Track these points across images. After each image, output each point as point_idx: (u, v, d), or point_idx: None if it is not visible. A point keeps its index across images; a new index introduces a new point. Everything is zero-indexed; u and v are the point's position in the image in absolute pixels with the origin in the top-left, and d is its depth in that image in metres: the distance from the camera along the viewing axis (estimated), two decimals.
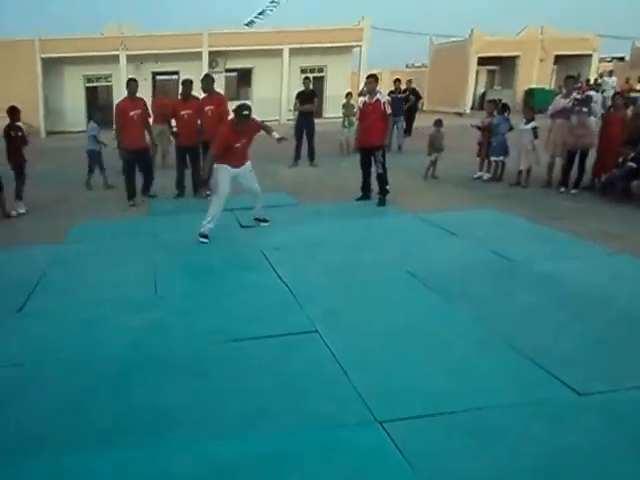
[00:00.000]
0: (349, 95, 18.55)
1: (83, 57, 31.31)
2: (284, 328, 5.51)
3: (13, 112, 11.28)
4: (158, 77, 32.52)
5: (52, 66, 31.52)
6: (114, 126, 12.26)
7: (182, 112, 11.71)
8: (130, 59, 31.87)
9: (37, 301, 6.59)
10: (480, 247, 7.86)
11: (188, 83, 11.99)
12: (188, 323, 5.77)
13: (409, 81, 19.97)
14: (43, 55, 31.09)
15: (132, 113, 11.24)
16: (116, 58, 31.47)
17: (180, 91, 12.02)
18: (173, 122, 12.45)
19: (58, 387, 4.65)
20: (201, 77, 12.07)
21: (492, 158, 12.89)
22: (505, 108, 13.43)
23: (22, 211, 11.23)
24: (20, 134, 11.44)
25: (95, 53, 31.21)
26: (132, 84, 11.65)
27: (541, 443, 3.71)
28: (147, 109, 11.84)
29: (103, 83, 33.59)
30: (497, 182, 12.72)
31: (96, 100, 33.26)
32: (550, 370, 4.55)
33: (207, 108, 11.39)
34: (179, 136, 12.11)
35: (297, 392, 4.41)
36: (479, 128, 13.33)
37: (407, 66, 46.36)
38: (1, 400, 4.48)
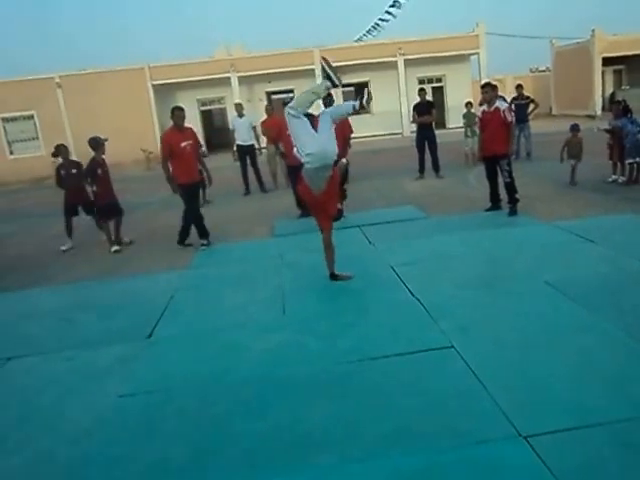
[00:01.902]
0: (469, 104, 18.23)
1: (195, 82, 32.38)
2: (419, 345, 5.31)
3: (96, 146, 11.33)
4: (273, 97, 33.09)
5: (165, 92, 32.64)
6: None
7: (288, 132, 11.61)
8: (242, 80, 32.60)
9: (166, 327, 6.59)
10: (622, 254, 7.40)
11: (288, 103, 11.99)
12: (320, 343, 5.63)
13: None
14: (154, 82, 32.29)
15: (184, 144, 10.08)
16: (228, 80, 32.24)
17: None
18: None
19: (190, 414, 4.59)
20: None
21: (627, 161, 12.26)
22: (627, 110, 12.83)
23: (128, 240, 11.42)
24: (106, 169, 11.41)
25: (206, 77, 32.20)
26: (177, 113, 10.23)
27: None
28: (197, 140, 10.75)
29: (217, 106, 34.66)
30: (633, 185, 12.07)
31: (212, 122, 34.18)
32: None
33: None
34: (287, 156, 12.03)
35: (437, 409, 4.23)
36: (607, 131, 12.77)
37: (531, 70, 45.21)
38: (136, 428, 4.45)
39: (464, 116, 17.94)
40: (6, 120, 32.80)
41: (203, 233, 10.46)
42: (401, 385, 4.66)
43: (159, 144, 10.70)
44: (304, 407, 4.49)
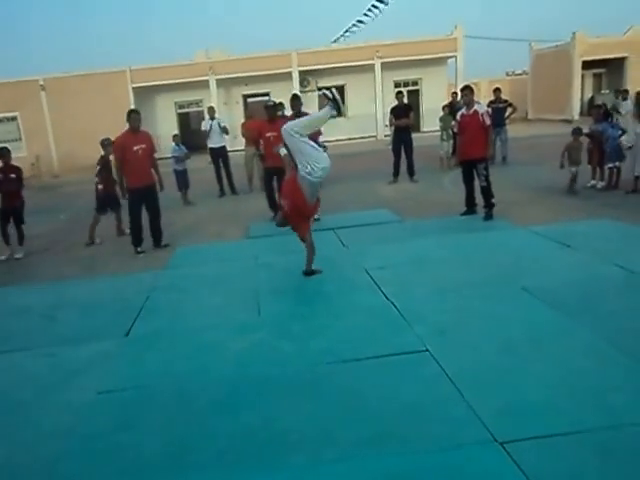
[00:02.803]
0: (446, 108, 18.23)
1: (173, 84, 32.43)
2: (394, 348, 5.26)
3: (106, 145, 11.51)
4: (249, 100, 33.02)
5: (144, 95, 32.72)
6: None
7: (267, 134, 11.59)
8: (219, 83, 32.58)
9: (142, 326, 6.59)
10: (598, 259, 7.39)
11: (270, 107, 11.98)
12: (295, 345, 5.59)
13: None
14: (134, 85, 32.33)
15: (136, 148, 9.94)
16: (206, 83, 32.22)
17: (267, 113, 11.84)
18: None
19: (167, 411, 4.58)
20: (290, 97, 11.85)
21: (607, 165, 12.26)
22: (608, 114, 12.84)
23: (128, 231, 11.19)
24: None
25: (185, 80, 32.14)
26: (133, 116, 10.14)
27: None
28: (152, 143, 10.52)
29: (194, 108, 34.64)
30: (613, 190, 12.07)
31: (188, 125, 34.12)
32: None
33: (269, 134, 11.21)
34: (265, 159, 12.02)
35: (411, 413, 4.17)
36: (587, 135, 12.75)
37: (507, 74, 45.32)
38: (114, 424, 4.44)
39: (441, 119, 17.95)
40: None
41: (136, 241, 10.35)
42: (375, 388, 4.61)
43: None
44: (278, 407, 4.46)
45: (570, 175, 12.17)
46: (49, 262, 10.44)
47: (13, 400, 5.06)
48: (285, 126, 7.30)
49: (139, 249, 10.32)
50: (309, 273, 7.68)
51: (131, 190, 10.07)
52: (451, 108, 17.95)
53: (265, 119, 12.06)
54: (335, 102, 7.33)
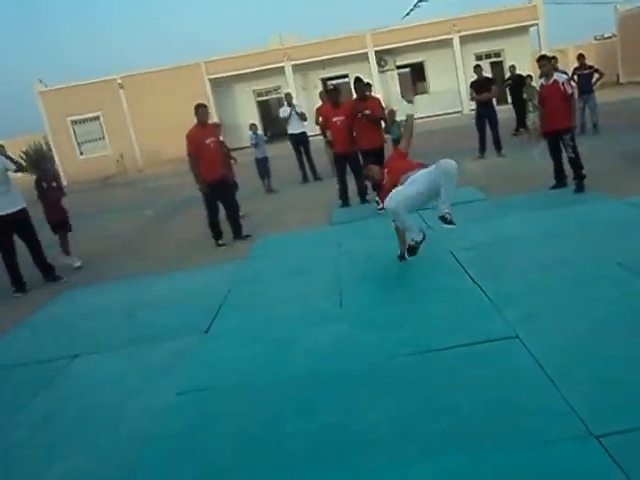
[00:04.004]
0: (529, 77, 17.63)
1: (250, 73, 32.73)
2: (481, 336, 4.99)
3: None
4: (329, 83, 32.89)
5: (221, 85, 33.20)
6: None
7: (334, 119, 11.47)
8: (296, 69, 32.62)
9: (223, 321, 6.52)
10: None
11: (332, 91, 11.99)
12: (376, 336, 5.39)
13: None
14: (210, 76, 32.80)
15: (208, 141, 10.06)
16: (282, 70, 32.33)
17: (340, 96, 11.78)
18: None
19: (245, 412, 4.46)
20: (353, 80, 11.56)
21: None
22: None
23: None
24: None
25: (261, 68, 32.41)
26: (201, 111, 10.22)
27: None
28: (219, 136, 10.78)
29: (274, 95, 34.67)
30: None
31: (269, 112, 34.23)
32: None
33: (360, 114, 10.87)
34: (333, 145, 11.94)
35: (498, 406, 3.91)
36: None
37: (595, 38, 43.44)
38: (190, 427, 4.37)
39: (524, 90, 17.35)
40: (75, 122, 34.13)
41: (216, 235, 10.36)
42: (460, 380, 4.37)
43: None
44: (357, 404, 4.28)
45: None
46: (132, 258, 10.59)
47: (91, 404, 5.07)
48: None
49: (220, 242, 10.30)
50: (411, 252, 7.08)
51: (207, 184, 10.08)
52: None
53: (330, 104, 11.95)
54: None
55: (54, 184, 10.67)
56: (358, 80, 11.17)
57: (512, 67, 18.87)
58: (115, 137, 33.45)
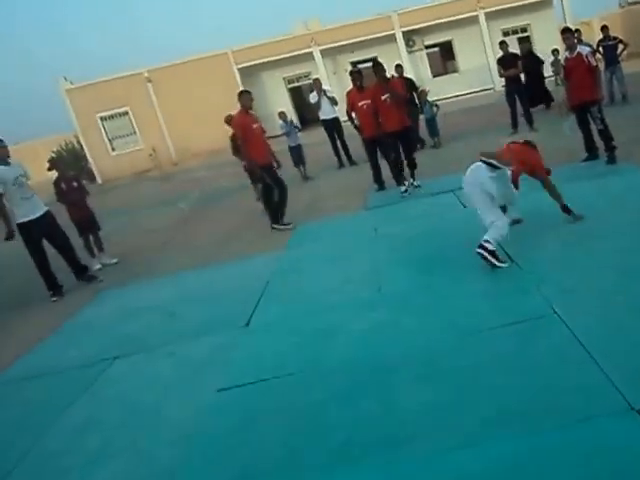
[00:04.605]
0: (556, 52, 17.57)
1: (278, 60, 32.59)
2: (520, 314, 5.04)
3: (229, 120, 11.81)
4: (359, 66, 32.82)
5: (250, 74, 33.08)
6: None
7: (360, 103, 11.50)
8: (324, 53, 32.50)
9: (263, 314, 6.54)
10: None
11: (356, 72, 11.97)
12: (416, 321, 5.43)
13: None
14: (239, 65, 32.83)
15: (255, 126, 10.24)
16: (310, 55, 32.23)
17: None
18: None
19: (286, 406, 4.49)
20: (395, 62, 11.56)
21: None
22: None
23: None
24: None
25: (289, 54, 32.33)
26: (246, 96, 10.34)
27: None
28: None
29: (305, 82, 34.34)
30: None
31: (301, 98, 34.15)
32: None
33: (384, 96, 10.77)
34: (361, 129, 11.98)
35: (539, 386, 3.95)
36: None
37: (621, 5, 42.33)
38: (232, 425, 4.39)
39: (552, 64, 17.31)
40: (104, 119, 34.11)
41: (275, 218, 10.47)
42: (499, 361, 4.41)
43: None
44: (399, 392, 4.31)
45: None
46: (169, 254, 10.69)
47: (133, 406, 5.06)
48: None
49: (280, 225, 10.43)
50: (567, 210, 7.05)
51: (261, 167, 10.22)
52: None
53: (354, 88, 11.97)
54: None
55: (75, 184, 10.76)
56: (377, 64, 11.08)
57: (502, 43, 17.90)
58: (146, 131, 33.51)
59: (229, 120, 12.10)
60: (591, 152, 10.33)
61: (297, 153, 15.60)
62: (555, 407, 3.70)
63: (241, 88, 31.47)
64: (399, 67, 16.68)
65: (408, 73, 22.18)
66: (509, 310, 5.22)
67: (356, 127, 12.76)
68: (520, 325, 4.91)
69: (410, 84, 16.44)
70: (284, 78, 34.51)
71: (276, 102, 31.80)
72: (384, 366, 4.75)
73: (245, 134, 10.15)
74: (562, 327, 4.68)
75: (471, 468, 3.34)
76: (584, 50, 10.19)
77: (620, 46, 17.19)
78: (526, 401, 3.83)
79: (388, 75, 11.38)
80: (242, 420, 4.42)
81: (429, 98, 16.65)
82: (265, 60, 32.44)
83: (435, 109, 16.58)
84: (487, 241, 6.21)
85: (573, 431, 3.46)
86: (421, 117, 16.49)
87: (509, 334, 4.80)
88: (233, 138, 12.11)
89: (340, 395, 4.45)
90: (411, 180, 11.15)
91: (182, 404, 4.89)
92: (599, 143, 10.16)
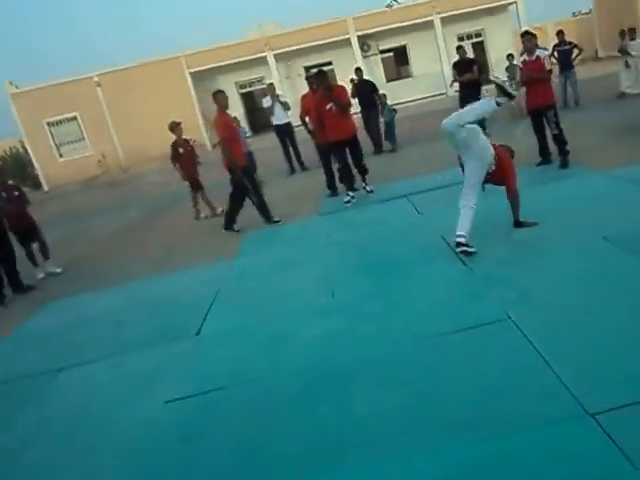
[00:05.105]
0: (510, 56, 17.66)
1: (231, 65, 32.34)
2: (475, 319, 5.00)
3: (173, 127, 11.92)
4: (312, 71, 32.74)
5: (202, 79, 32.72)
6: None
7: (328, 106, 11.06)
8: (278, 58, 32.42)
9: (214, 322, 6.41)
10: None
11: (312, 77, 11.90)
12: (372, 327, 5.37)
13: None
14: (191, 70, 32.50)
15: (234, 125, 10.44)
16: (264, 60, 32.11)
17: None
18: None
19: (238, 415, 4.39)
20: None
21: None
22: None
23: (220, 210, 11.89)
24: (189, 148, 12.27)
25: (242, 59, 32.12)
26: (220, 96, 10.46)
27: None
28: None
29: (257, 87, 34.18)
30: None
31: (253, 104, 33.97)
32: None
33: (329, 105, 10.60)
34: (315, 135, 11.95)
35: (497, 391, 3.93)
36: None
37: (574, 14, 43.52)
38: (183, 435, 4.28)
39: (507, 69, 17.39)
40: (51, 124, 33.42)
41: (228, 224, 10.60)
42: (457, 367, 4.37)
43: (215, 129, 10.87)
44: (357, 399, 4.25)
45: None
46: (118, 262, 10.45)
47: (78, 419, 4.92)
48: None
49: (231, 230, 10.54)
50: (520, 224, 7.10)
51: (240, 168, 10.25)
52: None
53: (312, 92, 11.88)
54: (501, 88, 6.78)
55: (16, 193, 10.40)
56: (321, 73, 11.01)
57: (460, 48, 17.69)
58: (96, 137, 32.81)
59: (173, 127, 12.14)
60: (545, 156, 10.39)
61: (248, 159, 15.26)
62: (512, 412, 3.68)
63: (192, 93, 31.50)
64: (359, 70, 16.81)
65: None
66: (464, 315, 5.17)
67: (310, 132, 12.58)
68: (475, 330, 4.87)
69: (371, 87, 16.54)
70: (236, 83, 34.27)
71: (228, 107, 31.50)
72: (341, 373, 4.68)
73: (231, 133, 10.19)
74: (516, 332, 4.66)
75: (432, 474, 3.33)
76: (543, 54, 10.21)
77: (575, 51, 17.44)
78: (483, 406, 3.81)
79: (347, 79, 11.28)
80: (193, 431, 4.32)
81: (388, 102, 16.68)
82: (218, 64, 32.16)
83: (393, 113, 16.58)
84: (461, 236, 6.54)
85: (531, 436, 3.44)
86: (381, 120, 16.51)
87: (465, 339, 4.77)
88: (174, 145, 12.20)
89: (297, 403, 4.39)
90: (363, 185, 11.04)
91: (130, 416, 4.77)
92: (552, 148, 10.20)
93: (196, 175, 12.51)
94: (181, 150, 12.21)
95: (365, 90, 16.35)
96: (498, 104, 6.70)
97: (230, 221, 10.52)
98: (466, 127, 6.58)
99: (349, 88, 15.91)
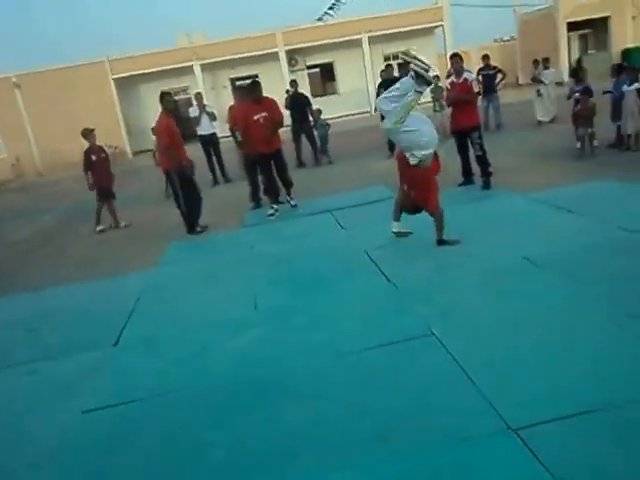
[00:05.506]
0: (436, 78, 17.94)
1: (157, 72, 31.91)
2: (398, 335, 5.01)
3: (86, 134, 11.76)
4: (237, 83, 32.52)
5: (127, 85, 32.35)
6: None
7: (255, 117, 10.83)
8: (205, 68, 32.27)
9: (133, 332, 6.25)
10: (599, 222, 7.22)
11: (248, 87, 11.47)
12: (294, 340, 5.33)
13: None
14: (115, 75, 31.95)
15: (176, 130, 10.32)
16: (191, 69, 31.89)
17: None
18: None
19: (159, 426, 4.28)
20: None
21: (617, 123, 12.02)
22: (621, 70, 12.56)
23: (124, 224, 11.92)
24: (103, 155, 12.06)
25: (168, 67, 31.80)
26: (167, 99, 10.65)
27: None
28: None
29: (182, 96, 33.66)
30: (614, 149, 11.94)
31: (177, 113, 33.50)
32: None
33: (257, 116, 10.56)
34: (243, 146, 11.84)
35: (420, 406, 3.93)
36: (606, 92, 12.57)
37: (495, 41, 44.95)
38: (100, 448, 4.13)
39: (431, 90, 17.63)
40: None
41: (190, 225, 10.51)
42: (381, 381, 4.37)
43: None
44: (278, 412, 4.19)
45: (586, 137, 11.91)
46: (32, 269, 10.10)
47: None
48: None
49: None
50: (443, 242, 7.23)
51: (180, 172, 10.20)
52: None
53: (246, 102, 11.54)
54: (421, 76, 6.85)
55: None
56: (254, 83, 10.92)
57: (388, 66, 17.14)
58: (11, 139, 31.72)
59: (86, 134, 11.91)
60: (467, 177, 10.59)
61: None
62: (434, 427, 3.68)
63: (116, 98, 30.93)
64: (294, 83, 17.00)
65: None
66: (388, 330, 5.18)
67: (238, 143, 12.47)
68: (398, 345, 4.88)
69: (305, 100, 16.63)
70: (161, 91, 33.77)
71: (152, 115, 31.05)
72: (263, 385, 4.63)
73: (172, 137, 10.08)
74: (440, 348, 4.69)
75: None
76: (470, 76, 10.41)
77: (499, 76, 17.89)
78: (406, 421, 3.80)
79: (273, 92, 11.23)
80: (111, 441, 4.20)
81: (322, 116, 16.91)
82: (143, 72, 31.69)
83: (327, 128, 16.74)
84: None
85: (453, 451, 3.46)
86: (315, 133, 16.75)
87: (388, 354, 4.76)
88: (87, 153, 11.96)
89: (217, 414, 4.32)
90: (288, 199, 11.03)
91: (45, 425, 4.59)
92: (475, 168, 10.40)
93: (110, 183, 12.24)
94: (94, 157, 11.92)
95: (299, 104, 16.45)
96: (419, 92, 6.87)
97: (190, 224, 10.44)
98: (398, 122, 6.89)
99: (282, 99, 15.96)
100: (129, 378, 5.20)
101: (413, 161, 7.02)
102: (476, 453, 3.39)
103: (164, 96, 10.47)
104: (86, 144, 12.08)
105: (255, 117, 10.58)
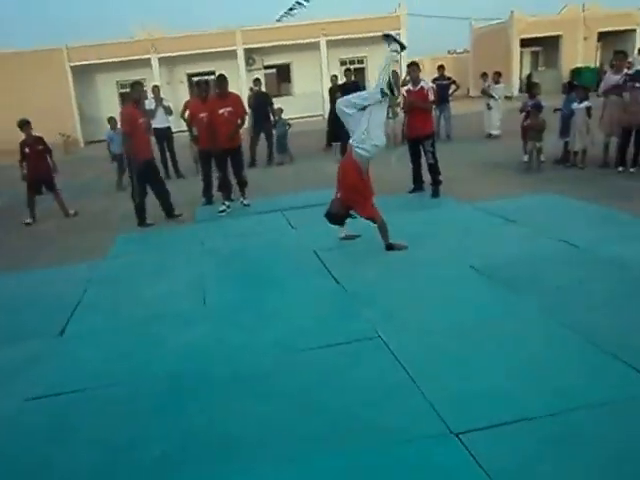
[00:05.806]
0: (394, 73, 18.15)
1: (114, 63, 31.59)
2: (345, 336, 5.12)
3: (22, 126, 11.66)
4: (194, 79, 32.39)
5: (83, 74, 31.85)
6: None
7: (201, 115, 11.12)
8: (162, 62, 31.99)
9: (79, 323, 6.20)
10: (543, 234, 7.50)
11: (203, 84, 11.70)
12: (242, 337, 5.37)
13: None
14: (72, 64, 31.42)
15: (141, 121, 10.28)
16: (148, 62, 31.60)
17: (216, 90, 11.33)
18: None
19: (101, 418, 4.27)
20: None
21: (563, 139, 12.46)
22: (572, 87, 12.96)
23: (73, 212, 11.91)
24: (41, 147, 11.89)
25: (126, 58, 31.44)
26: (137, 88, 10.51)
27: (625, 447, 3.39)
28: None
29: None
30: (561, 164, 12.43)
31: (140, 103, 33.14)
32: (635, 365, 4.16)
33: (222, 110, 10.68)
34: (199, 141, 11.81)
35: (364, 406, 4.00)
36: (556, 110, 12.95)
37: (449, 52, 45.63)
38: (43, 436, 4.12)
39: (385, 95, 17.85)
40: None
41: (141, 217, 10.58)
42: (326, 380, 4.45)
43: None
44: (224, 406, 4.25)
45: (534, 151, 12.31)
46: None
47: None
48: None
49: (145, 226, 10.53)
50: (391, 247, 7.35)
51: (142, 162, 10.25)
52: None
53: (198, 98, 11.69)
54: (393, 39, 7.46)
55: None
56: (222, 78, 10.94)
57: (347, 71, 17.89)
58: None
59: (22, 125, 11.77)
60: (418, 184, 10.79)
61: (120, 161, 14.57)
62: (378, 428, 3.76)
63: (71, 86, 30.40)
64: (258, 81, 17.10)
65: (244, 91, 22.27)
66: (334, 331, 5.27)
67: (194, 138, 12.50)
68: (345, 346, 4.97)
69: (267, 99, 16.77)
70: (117, 82, 33.50)
71: (107, 106, 30.73)
72: (209, 380, 4.67)
73: (131, 128, 10.02)
74: (385, 350, 4.79)
75: None
76: (427, 85, 10.62)
77: (453, 86, 18.22)
78: (349, 420, 3.87)
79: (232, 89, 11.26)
80: (53, 432, 4.17)
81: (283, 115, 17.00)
82: (100, 61, 31.34)
83: (287, 127, 16.92)
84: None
85: (394, 452, 3.52)
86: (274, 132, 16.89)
87: (335, 354, 4.85)
88: (22, 145, 11.87)
89: (161, 407, 4.33)
90: (241, 199, 11.11)
91: None
92: (426, 176, 10.59)
93: (48, 175, 12.06)
94: (27, 150, 11.76)
95: (262, 102, 16.53)
96: (395, 52, 7.66)
97: (140, 217, 10.51)
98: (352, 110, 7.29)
99: (244, 97, 16.03)
100: (74, 368, 5.16)
101: (359, 152, 7.31)
102: (419, 454, 3.48)
103: (133, 85, 10.48)
104: (21, 136, 11.91)
105: (220, 111, 10.65)
